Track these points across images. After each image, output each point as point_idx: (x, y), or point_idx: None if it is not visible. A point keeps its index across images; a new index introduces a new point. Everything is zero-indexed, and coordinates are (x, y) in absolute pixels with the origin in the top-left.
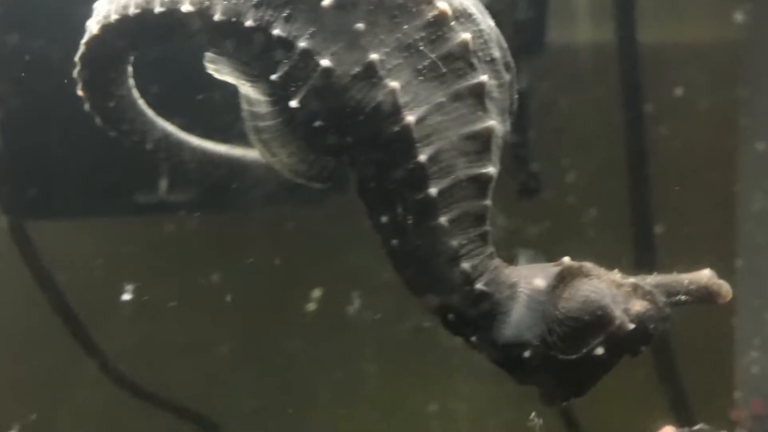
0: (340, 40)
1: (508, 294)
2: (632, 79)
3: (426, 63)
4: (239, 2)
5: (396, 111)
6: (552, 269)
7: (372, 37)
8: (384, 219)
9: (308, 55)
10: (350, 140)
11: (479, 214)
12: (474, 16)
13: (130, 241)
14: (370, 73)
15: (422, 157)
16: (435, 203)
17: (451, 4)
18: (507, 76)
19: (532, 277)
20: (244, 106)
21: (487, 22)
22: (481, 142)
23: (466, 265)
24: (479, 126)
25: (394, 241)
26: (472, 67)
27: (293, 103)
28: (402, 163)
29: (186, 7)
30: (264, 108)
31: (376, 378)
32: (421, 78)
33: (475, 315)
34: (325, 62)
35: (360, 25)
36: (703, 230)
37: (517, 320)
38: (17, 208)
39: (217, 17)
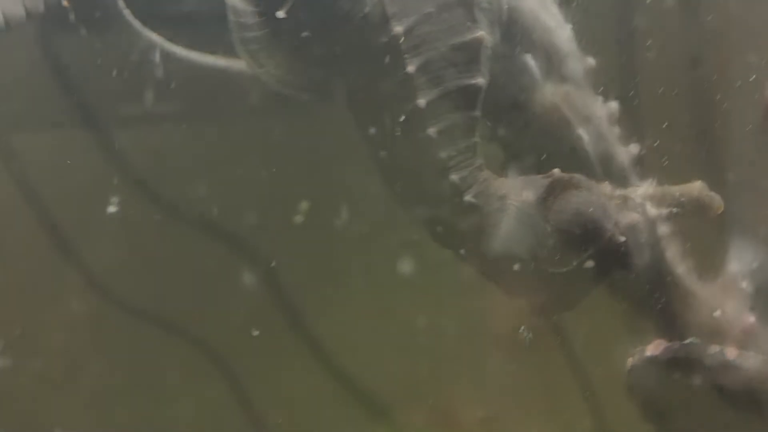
0: None
1: (497, 206)
2: None
3: None
4: None
5: (384, 21)
6: (542, 181)
7: None
8: (372, 130)
9: None
10: (338, 51)
11: (468, 126)
12: None
13: (116, 153)
14: None
15: (410, 68)
16: (423, 114)
17: None
18: None
19: (521, 190)
20: (231, 16)
21: None
22: (470, 52)
23: (454, 177)
24: (468, 36)
25: (383, 153)
26: None
27: (280, 14)
28: (390, 74)
29: None
30: (251, 19)
31: (364, 292)
32: None
33: (464, 227)
34: None
35: None
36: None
37: (506, 233)
38: (1, 119)
39: None
